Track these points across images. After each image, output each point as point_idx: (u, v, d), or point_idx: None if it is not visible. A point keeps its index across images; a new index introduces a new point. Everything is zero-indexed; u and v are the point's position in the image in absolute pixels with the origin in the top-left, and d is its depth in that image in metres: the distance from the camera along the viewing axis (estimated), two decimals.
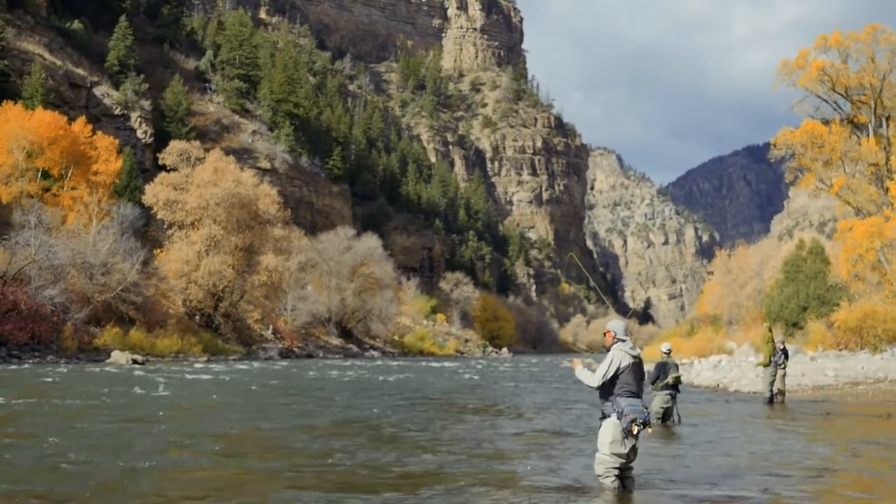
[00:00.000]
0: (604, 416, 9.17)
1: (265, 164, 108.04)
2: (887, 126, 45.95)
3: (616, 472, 9.01)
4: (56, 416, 17.14)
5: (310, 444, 13.47)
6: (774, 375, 22.86)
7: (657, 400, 17.34)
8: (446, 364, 61.19)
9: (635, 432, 8.87)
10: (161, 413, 17.93)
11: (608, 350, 9.34)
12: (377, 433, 15.25)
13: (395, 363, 59.75)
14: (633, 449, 9.03)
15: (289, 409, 20.18)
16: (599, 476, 9.12)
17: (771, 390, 22.82)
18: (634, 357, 9.17)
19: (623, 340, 9.29)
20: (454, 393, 27.75)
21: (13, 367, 35.10)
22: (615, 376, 9.04)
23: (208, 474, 10.36)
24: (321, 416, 18.22)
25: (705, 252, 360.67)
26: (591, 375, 9.16)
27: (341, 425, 16.56)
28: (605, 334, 9.57)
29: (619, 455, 8.98)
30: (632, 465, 9.16)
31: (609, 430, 8.98)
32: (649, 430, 8.98)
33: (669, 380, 17.39)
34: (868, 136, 46.03)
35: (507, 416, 19.48)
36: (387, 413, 19.22)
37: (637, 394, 9.09)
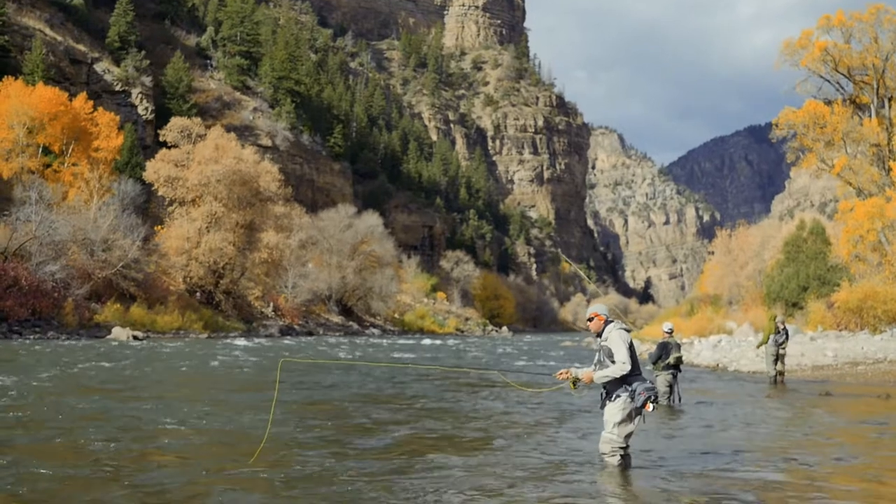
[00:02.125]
0: (608, 397, 9.14)
1: (266, 141, 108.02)
2: (889, 107, 45.84)
3: (622, 451, 9.05)
4: (159, 383, 19.86)
5: (370, 412, 14.85)
6: (776, 355, 22.90)
7: (661, 380, 17.37)
8: (450, 342, 61.49)
9: (650, 409, 8.90)
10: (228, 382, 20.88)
11: (599, 335, 9.20)
12: (419, 405, 15.99)
13: (407, 341, 59.98)
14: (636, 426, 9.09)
15: (336, 383, 20.43)
16: (605, 454, 9.12)
17: (774, 369, 22.87)
18: (628, 332, 9.17)
19: (612, 321, 9.27)
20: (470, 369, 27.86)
21: (43, 341, 35.25)
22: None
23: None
24: (367, 389, 19.38)
25: (706, 232, 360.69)
26: (615, 368, 8.89)
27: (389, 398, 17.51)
28: (591, 319, 9.29)
29: (627, 435, 9.02)
30: (629, 442, 9.20)
31: (618, 410, 8.96)
32: (657, 406, 9.03)
33: (671, 360, 17.40)
34: (870, 116, 45.93)
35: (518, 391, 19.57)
36: (415, 386, 20.32)
37: (640, 370, 9.11)
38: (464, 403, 16.75)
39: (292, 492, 8.00)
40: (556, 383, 9.68)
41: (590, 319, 9.34)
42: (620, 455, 9.05)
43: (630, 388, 8.92)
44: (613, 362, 8.97)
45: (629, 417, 8.95)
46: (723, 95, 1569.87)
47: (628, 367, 8.88)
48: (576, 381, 9.21)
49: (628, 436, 9.03)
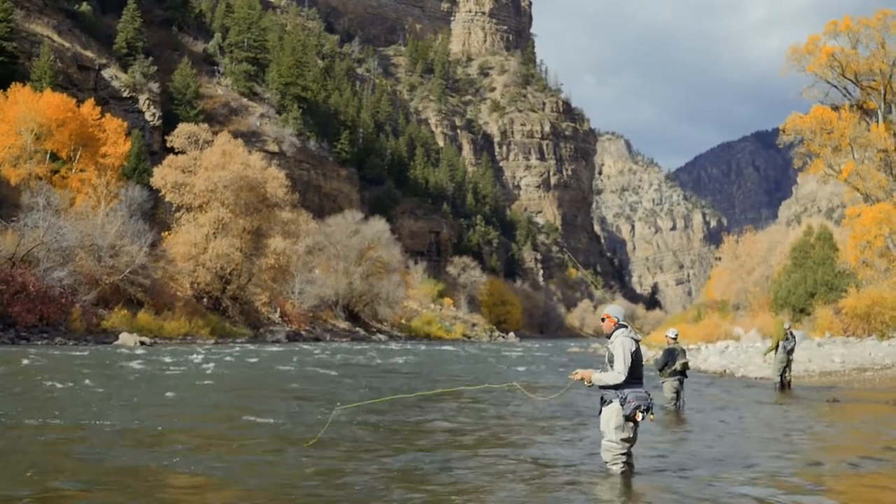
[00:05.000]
0: (604, 402, 9.14)
1: (273, 147, 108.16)
2: None
3: (623, 458, 9.01)
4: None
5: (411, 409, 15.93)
6: (784, 361, 22.83)
7: (667, 386, 17.34)
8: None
9: (639, 419, 8.86)
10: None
11: (608, 336, 9.25)
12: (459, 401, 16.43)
13: (420, 347, 60.02)
14: (635, 433, 9.07)
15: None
16: (607, 463, 9.09)
17: (781, 376, 22.80)
18: (636, 341, 9.16)
19: (625, 326, 9.27)
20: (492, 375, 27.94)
21: (78, 351, 35.26)
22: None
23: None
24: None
25: (713, 237, 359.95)
26: (611, 375, 8.96)
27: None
28: (603, 319, 9.41)
29: (626, 440, 8.99)
30: (632, 448, 9.18)
31: (613, 417, 8.95)
32: (651, 416, 8.98)
33: (677, 366, 17.37)
34: (877, 122, 45.86)
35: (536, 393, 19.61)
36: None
37: (640, 379, 9.09)
38: (484, 413, 16.78)
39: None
40: (570, 384, 9.78)
41: (602, 320, 9.45)
42: (623, 462, 9.02)
43: (621, 396, 8.92)
44: (613, 367, 9.00)
45: (624, 423, 8.94)
46: (731, 100, 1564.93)
47: (622, 378, 8.92)
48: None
49: (626, 440, 9.00)
